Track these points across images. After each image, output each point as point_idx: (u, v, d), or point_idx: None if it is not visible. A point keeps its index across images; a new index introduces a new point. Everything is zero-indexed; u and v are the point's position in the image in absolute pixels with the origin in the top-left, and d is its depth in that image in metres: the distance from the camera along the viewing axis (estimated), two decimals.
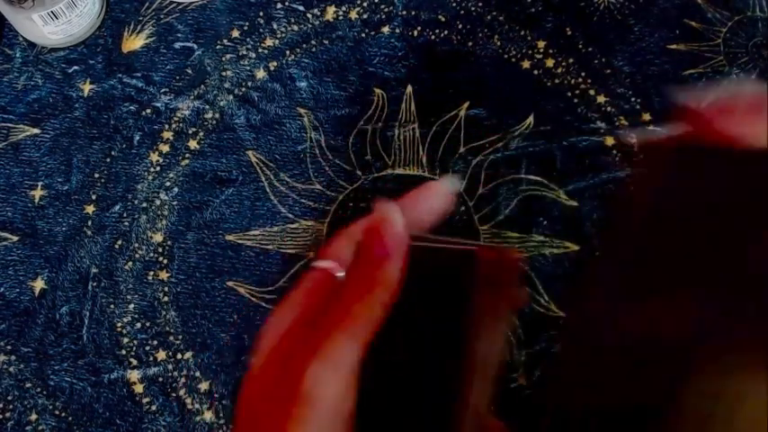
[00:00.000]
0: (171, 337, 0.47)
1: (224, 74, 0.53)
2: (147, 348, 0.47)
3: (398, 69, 0.53)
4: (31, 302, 0.48)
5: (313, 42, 0.54)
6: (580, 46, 0.54)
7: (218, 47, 0.54)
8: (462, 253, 0.24)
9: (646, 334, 0.21)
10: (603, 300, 0.23)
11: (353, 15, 0.55)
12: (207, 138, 0.51)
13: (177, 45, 0.54)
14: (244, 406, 0.24)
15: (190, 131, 0.52)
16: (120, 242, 0.49)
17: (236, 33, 0.54)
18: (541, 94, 0.52)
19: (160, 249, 0.49)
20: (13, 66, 0.54)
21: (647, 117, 0.52)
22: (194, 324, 0.47)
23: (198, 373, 0.46)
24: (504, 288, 0.24)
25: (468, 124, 0.51)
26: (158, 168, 0.51)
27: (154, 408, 0.46)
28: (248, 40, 0.54)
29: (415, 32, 0.54)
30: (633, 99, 0.52)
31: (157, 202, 0.50)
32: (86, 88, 0.53)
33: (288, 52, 0.54)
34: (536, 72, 0.53)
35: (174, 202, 0.50)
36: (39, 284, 0.48)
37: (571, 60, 0.53)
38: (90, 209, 0.50)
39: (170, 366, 0.47)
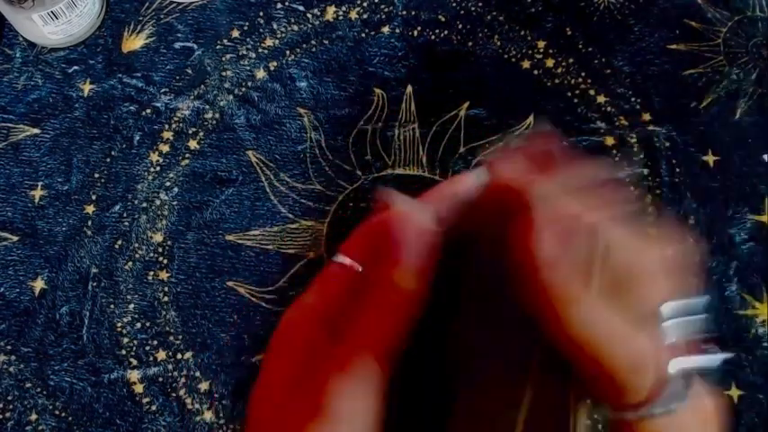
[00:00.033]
0: (171, 337, 0.47)
1: (224, 74, 0.53)
2: (147, 348, 0.47)
3: (398, 69, 0.53)
4: (31, 302, 0.48)
5: (313, 42, 0.54)
6: (580, 46, 0.54)
7: (218, 47, 0.54)
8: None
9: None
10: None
11: (353, 15, 0.55)
12: (207, 138, 0.51)
13: (177, 45, 0.54)
14: (255, 410, 0.23)
15: (190, 131, 0.52)
16: (120, 242, 0.49)
17: (236, 33, 0.54)
18: (541, 94, 0.52)
19: (160, 249, 0.49)
20: (13, 66, 0.54)
21: (647, 117, 0.52)
22: (194, 324, 0.47)
23: (198, 373, 0.46)
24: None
25: (468, 124, 0.51)
26: (158, 168, 0.51)
27: (154, 408, 0.46)
28: (248, 40, 0.54)
29: (415, 32, 0.54)
30: (633, 99, 0.52)
31: (157, 202, 0.50)
32: (86, 88, 0.53)
33: (288, 52, 0.54)
34: (536, 72, 0.53)
35: (174, 202, 0.50)
36: (39, 284, 0.48)
37: (571, 60, 0.53)
38: (90, 209, 0.50)
39: (170, 366, 0.47)
